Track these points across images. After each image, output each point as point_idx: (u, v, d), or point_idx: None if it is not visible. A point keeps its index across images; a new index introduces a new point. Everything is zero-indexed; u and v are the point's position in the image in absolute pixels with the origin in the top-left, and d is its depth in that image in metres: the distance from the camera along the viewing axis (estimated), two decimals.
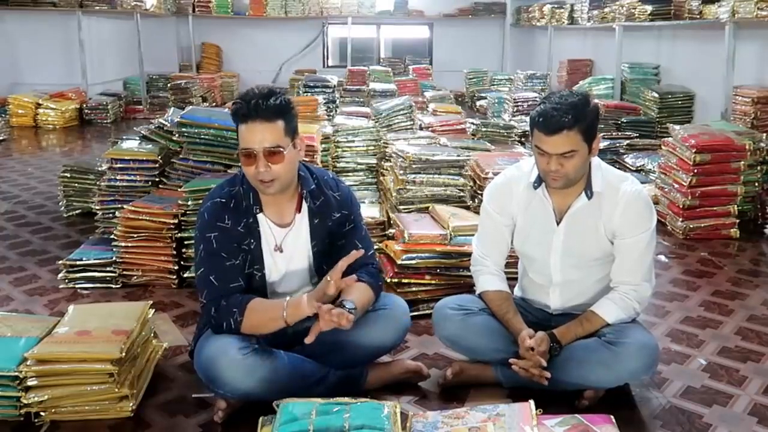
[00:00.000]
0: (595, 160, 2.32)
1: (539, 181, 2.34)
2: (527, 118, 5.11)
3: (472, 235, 2.66)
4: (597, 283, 2.39)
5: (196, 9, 12.43)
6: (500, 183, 2.48)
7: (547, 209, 2.35)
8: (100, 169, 4.30)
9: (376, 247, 2.63)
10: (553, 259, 2.36)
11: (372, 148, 4.59)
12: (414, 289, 3.03)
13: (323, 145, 4.34)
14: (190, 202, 3.33)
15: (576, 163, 2.19)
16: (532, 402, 1.93)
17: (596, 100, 7.71)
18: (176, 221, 3.33)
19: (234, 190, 2.24)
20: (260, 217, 2.24)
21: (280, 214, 2.28)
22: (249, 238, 2.22)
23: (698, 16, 6.54)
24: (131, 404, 2.21)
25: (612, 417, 1.96)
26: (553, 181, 2.24)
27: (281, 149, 2.13)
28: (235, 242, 2.20)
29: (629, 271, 2.29)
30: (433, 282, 3.06)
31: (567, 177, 2.21)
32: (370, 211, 3.70)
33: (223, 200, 2.22)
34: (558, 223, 2.34)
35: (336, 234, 2.34)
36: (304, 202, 2.28)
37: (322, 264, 2.34)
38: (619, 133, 6.20)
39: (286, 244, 2.28)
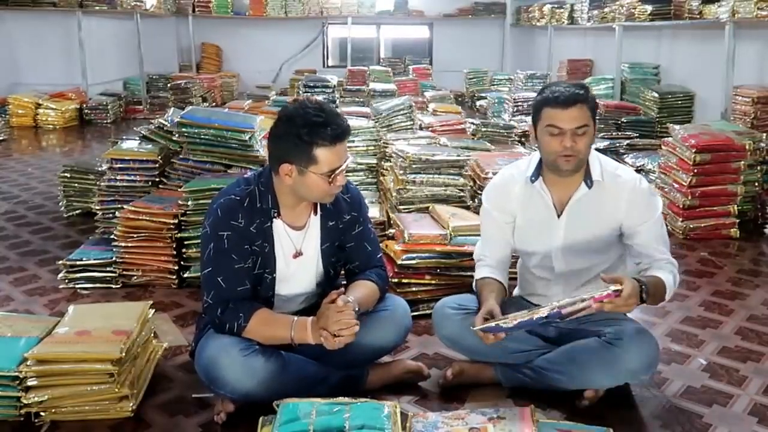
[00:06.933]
0: (592, 151, 2.33)
1: (536, 174, 2.33)
2: (527, 119, 5.06)
3: (472, 235, 2.66)
4: (599, 277, 2.37)
5: (196, 9, 12.44)
6: (497, 183, 2.48)
7: (546, 203, 2.34)
8: (100, 169, 4.31)
9: None
10: (555, 252, 2.36)
11: (372, 148, 4.59)
12: (414, 289, 3.03)
13: None
14: (190, 202, 3.33)
15: (587, 142, 2.22)
16: (532, 407, 1.94)
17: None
18: (176, 221, 3.33)
19: (249, 189, 2.21)
20: (276, 220, 2.23)
21: (295, 218, 2.27)
22: (261, 240, 2.20)
23: (698, 16, 6.54)
24: (131, 404, 2.21)
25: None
26: (566, 163, 2.22)
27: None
28: (247, 243, 2.18)
29: (656, 249, 2.28)
30: (433, 282, 3.06)
31: (579, 157, 2.22)
32: (370, 212, 3.69)
33: (238, 198, 2.18)
34: (559, 216, 2.33)
35: (345, 236, 2.34)
36: (319, 205, 2.28)
37: (329, 267, 2.35)
38: (619, 133, 6.18)
39: (302, 247, 2.29)
